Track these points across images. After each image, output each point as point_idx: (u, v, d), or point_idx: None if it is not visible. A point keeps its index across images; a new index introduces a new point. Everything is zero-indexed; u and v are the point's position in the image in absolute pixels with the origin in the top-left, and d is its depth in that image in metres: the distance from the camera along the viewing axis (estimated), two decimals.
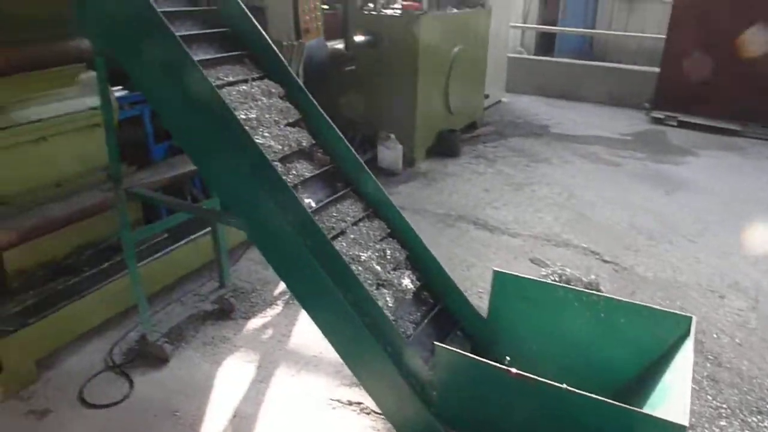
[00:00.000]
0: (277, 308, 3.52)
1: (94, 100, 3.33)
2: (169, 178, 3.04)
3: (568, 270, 3.74)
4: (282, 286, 3.68)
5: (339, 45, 5.31)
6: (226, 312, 3.41)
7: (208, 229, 3.57)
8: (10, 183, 2.98)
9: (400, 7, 5.58)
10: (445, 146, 6.09)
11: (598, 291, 2.67)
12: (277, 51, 2.66)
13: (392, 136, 5.48)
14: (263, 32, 2.65)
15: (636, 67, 8.73)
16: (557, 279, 3.57)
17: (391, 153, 5.53)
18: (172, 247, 3.55)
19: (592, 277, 3.79)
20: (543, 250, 4.36)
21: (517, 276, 2.32)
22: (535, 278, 2.37)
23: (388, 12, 5.48)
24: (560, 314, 2.24)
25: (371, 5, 5.47)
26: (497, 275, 2.32)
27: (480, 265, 4.10)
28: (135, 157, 3.65)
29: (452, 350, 1.90)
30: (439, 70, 5.75)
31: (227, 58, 2.55)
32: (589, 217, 4.91)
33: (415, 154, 5.80)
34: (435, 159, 6.07)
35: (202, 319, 3.36)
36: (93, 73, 3.36)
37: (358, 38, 5.13)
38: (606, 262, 4.19)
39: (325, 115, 2.61)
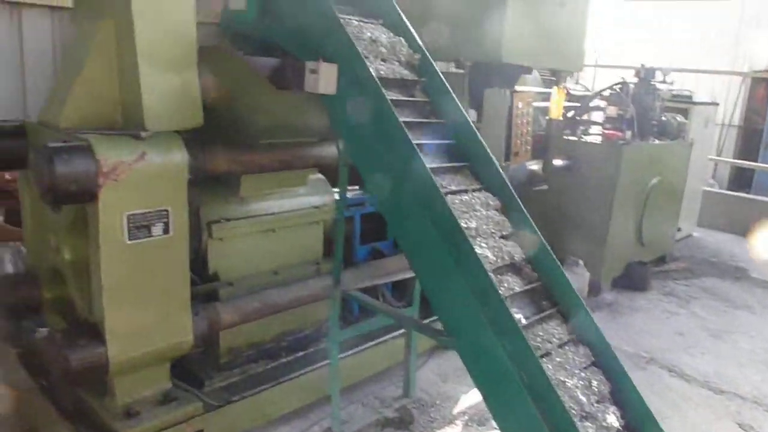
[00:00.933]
0: (457, 428, 3.38)
1: (317, 200, 3.63)
2: (384, 283, 3.14)
3: None
4: (463, 404, 3.56)
5: (535, 166, 5.33)
6: (405, 422, 3.33)
7: (398, 332, 3.62)
8: (237, 267, 3.27)
9: (599, 134, 5.52)
10: (634, 278, 5.70)
11: None
12: (498, 165, 2.74)
13: (581, 262, 5.27)
14: (486, 147, 2.75)
15: None
16: None
17: (577, 279, 5.30)
18: (362, 347, 3.62)
19: None
20: (753, 414, 3.79)
21: None
22: None
23: (588, 139, 5.43)
24: None
25: (571, 131, 5.48)
26: None
27: (677, 418, 3.65)
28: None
29: None
30: (634, 200, 5.50)
31: (450, 168, 2.66)
32: None
33: (602, 284, 5.49)
34: (622, 290, 5.68)
35: (382, 426, 3.30)
36: (320, 176, 3.72)
37: (557, 162, 5.11)
38: None
39: (538, 231, 2.60)
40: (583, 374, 2.31)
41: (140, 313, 2.63)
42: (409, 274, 3.31)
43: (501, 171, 2.75)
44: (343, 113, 2.65)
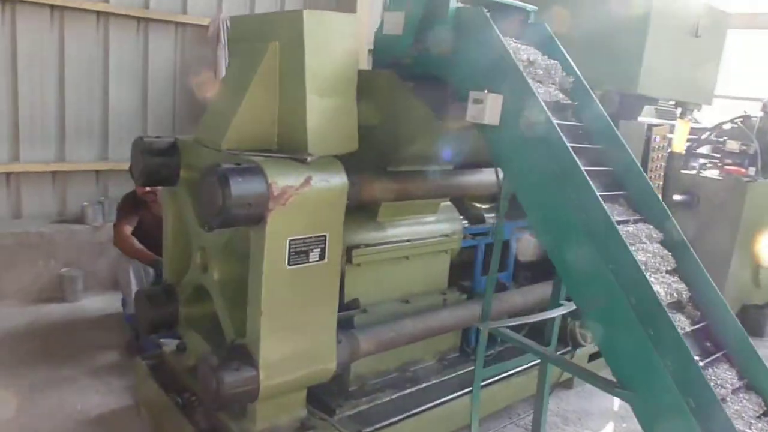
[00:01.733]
0: None
1: (446, 228, 3.50)
2: (533, 322, 2.97)
3: None
4: None
5: None
6: None
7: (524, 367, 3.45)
8: (371, 294, 3.17)
9: (719, 169, 5.21)
10: (748, 322, 5.31)
11: None
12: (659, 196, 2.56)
13: None
14: (646, 175, 2.57)
15: None
16: None
17: None
18: (486, 382, 3.45)
19: None
20: None
21: None
22: None
23: (708, 174, 5.13)
24: None
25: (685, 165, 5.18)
26: None
27: None
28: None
29: None
30: (756, 239, 5.15)
31: (607, 196, 2.46)
32: None
33: None
34: None
35: None
36: (449, 203, 3.60)
37: (676, 197, 4.83)
38: None
39: (702, 267, 2.42)
40: (760, 425, 2.11)
41: (292, 339, 2.54)
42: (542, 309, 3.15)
43: (663, 203, 2.58)
44: (506, 144, 2.53)
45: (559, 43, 2.88)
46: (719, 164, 5.22)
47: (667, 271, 2.41)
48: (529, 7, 3.01)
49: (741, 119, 5.15)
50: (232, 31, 2.98)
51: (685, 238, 2.53)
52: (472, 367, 3.58)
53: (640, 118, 4.57)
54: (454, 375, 3.50)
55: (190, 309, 3.06)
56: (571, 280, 2.39)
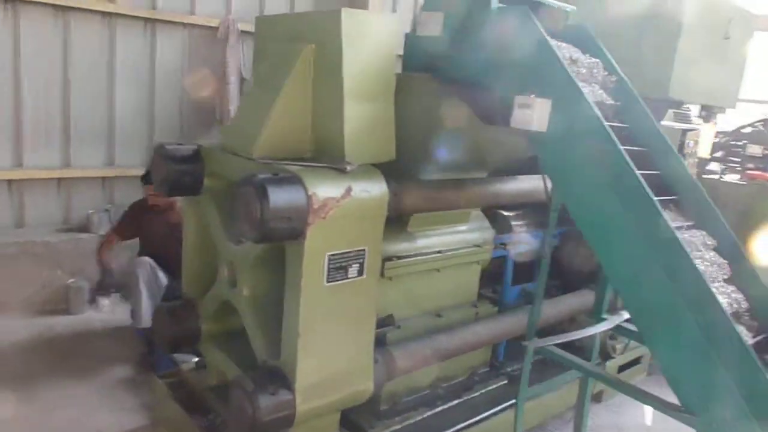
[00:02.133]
0: None
1: (477, 238, 3.34)
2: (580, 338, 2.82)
3: None
4: None
5: None
6: None
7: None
8: (404, 309, 2.99)
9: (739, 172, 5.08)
10: None
11: None
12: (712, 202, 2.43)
13: None
14: (697, 180, 2.47)
15: None
16: None
17: None
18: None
19: None
20: None
21: None
22: None
23: (729, 179, 4.99)
24: None
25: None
26: None
27: None
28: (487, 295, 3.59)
29: None
30: None
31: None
32: None
33: None
34: None
35: None
36: (479, 212, 3.44)
37: None
38: None
39: (758, 274, 2.29)
40: None
41: (329, 360, 2.37)
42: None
43: (716, 208, 2.45)
44: (555, 151, 2.38)
45: (600, 43, 2.74)
46: (739, 168, 5.09)
47: (724, 280, 2.28)
48: (568, 6, 2.86)
49: (762, 122, 5.03)
50: (258, 32, 2.80)
51: (740, 245, 2.39)
52: (503, 382, 3.46)
53: (669, 123, 4.45)
54: (485, 391, 3.34)
55: (213, 325, 2.88)
56: (630, 294, 2.24)
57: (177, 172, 2.67)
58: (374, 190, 2.35)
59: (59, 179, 4.78)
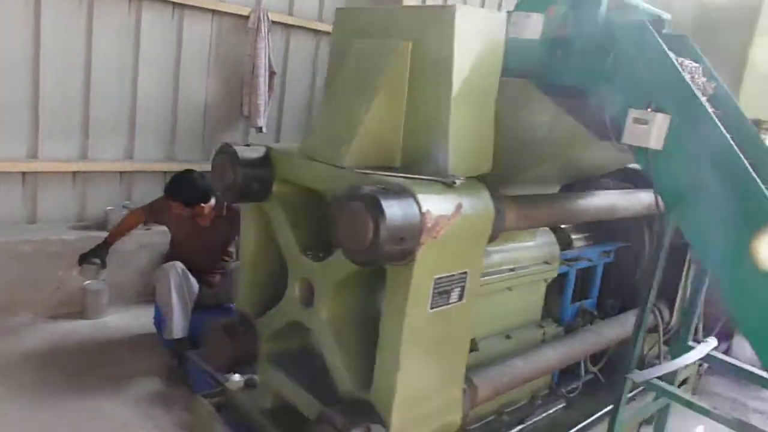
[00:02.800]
0: None
1: (545, 254, 3.12)
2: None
3: None
4: None
5: None
6: None
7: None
8: (477, 330, 2.75)
9: None
10: None
11: None
12: None
13: None
14: None
15: None
16: None
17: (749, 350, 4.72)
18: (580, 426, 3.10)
19: None
20: None
21: None
22: None
23: None
24: None
25: None
26: None
27: None
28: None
29: None
30: None
31: None
32: None
33: None
34: None
35: None
36: (546, 228, 3.23)
37: None
38: None
39: None
40: None
41: (425, 392, 2.13)
42: None
43: None
44: (672, 171, 2.17)
45: (698, 50, 2.54)
46: None
47: None
48: (664, 14, 2.66)
49: None
50: (339, 26, 2.52)
51: None
52: (561, 405, 3.25)
53: None
54: (546, 415, 3.14)
55: (273, 345, 2.61)
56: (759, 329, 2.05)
57: (247, 177, 2.38)
58: (480, 207, 2.10)
59: (75, 173, 4.42)
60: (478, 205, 2.09)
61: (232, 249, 4.07)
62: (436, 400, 2.18)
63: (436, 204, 1.92)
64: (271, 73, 4.99)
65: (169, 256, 3.95)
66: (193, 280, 3.71)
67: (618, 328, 3.34)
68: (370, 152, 2.20)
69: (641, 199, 3.11)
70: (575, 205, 2.74)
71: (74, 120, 4.34)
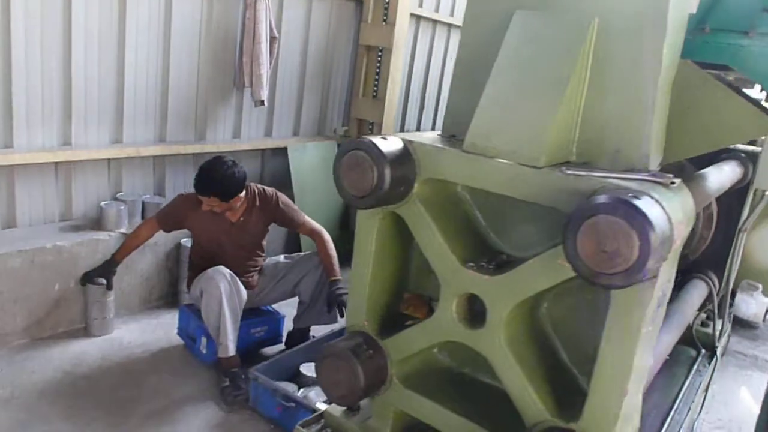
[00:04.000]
0: None
1: None
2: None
3: None
4: None
5: None
6: None
7: None
8: None
9: None
10: None
11: None
12: None
13: (759, 286, 4.96)
14: None
15: None
16: None
17: (752, 305, 4.98)
18: None
19: None
20: None
21: None
22: None
23: None
24: None
25: None
26: None
27: None
28: None
29: None
30: None
31: None
32: None
33: None
34: None
35: None
36: None
37: None
38: None
39: None
40: None
41: (631, 412, 1.92)
42: None
43: None
44: None
45: None
46: None
47: None
48: None
49: None
50: None
51: None
52: None
53: None
54: None
55: (405, 367, 2.28)
56: None
57: (396, 178, 1.99)
58: (687, 209, 1.87)
59: (57, 164, 3.68)
60: (685, 207, 1.86)
61: (264, 242, 3.60)
62: (636, 419, 1.99)
63: (675, 212, 1.67)
64: (272, 38, 4.41)
65: (196, 265, 3.42)
66: (240, 285, 3.22)
67: None
68: (555, 148, 1.90)
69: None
70: (708, 185, 2.59)
71: (53, 103, 3.58)
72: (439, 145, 2.05)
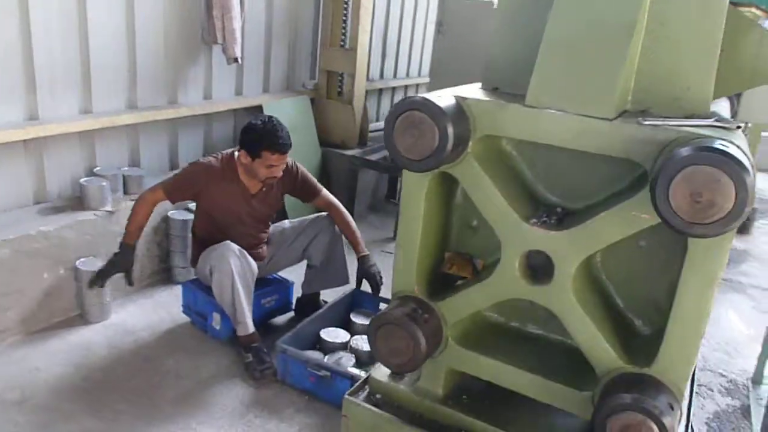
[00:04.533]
0: None
1: None
2: None
3: None
4: None
5: None
6: None
7: None
8: None
9: None
10: None
11: None
12: None
13: None
14: None
15: None
16: None
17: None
18: None
19: None
20: None
21: None
22: None
23: None
24: None
25: None
26: None
27: None
28: None
29: None
30: None
31: None
32: None
33: None
34: None
35: None
36: None
37: None
38: None
39: None
40: None
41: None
42: None
43: None
44: None
45: None
46: None
47: None
48: None
49: None
50: None
51: None
52: None
53: None
54: None
55: (460, 329, 2.28)
56: None
57: (458, 137, 1.92)
58: (749, 151, 1.92)
59: (25, 141, 3.34)
60: (748, 150, 1.90)
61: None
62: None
63: (747, 161, 1.70)
64: None
65: (201, 239, 3.25)
66: (250, 259, 3.09)
67: None
68: (620, 99, 1.88)
69: None
70: None
71: (15, 73, 3.22)
72: (499, 101, 1.98)
